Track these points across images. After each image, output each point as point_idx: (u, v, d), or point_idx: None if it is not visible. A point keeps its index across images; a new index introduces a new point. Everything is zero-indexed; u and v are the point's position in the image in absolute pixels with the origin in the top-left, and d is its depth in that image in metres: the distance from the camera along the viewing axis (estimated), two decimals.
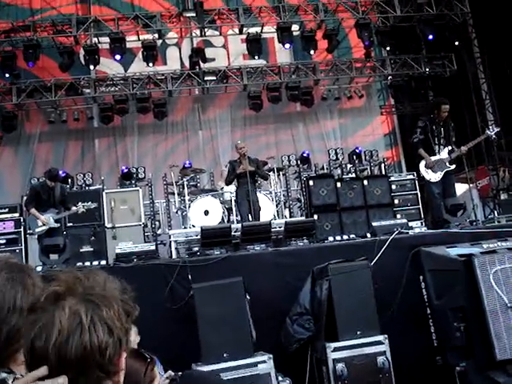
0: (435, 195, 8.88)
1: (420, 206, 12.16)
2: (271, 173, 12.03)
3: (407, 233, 7.36)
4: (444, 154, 8.82)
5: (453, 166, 8.78)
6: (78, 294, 1.36)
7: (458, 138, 9.21)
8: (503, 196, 13.42)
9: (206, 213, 10.99)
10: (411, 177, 12.45)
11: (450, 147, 8.85)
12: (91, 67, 15.44)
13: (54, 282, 1.41)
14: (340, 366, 5.78)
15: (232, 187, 10.96)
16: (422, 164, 8.91)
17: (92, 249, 11.19)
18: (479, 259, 5.83)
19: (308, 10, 16.01)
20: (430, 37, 15.69)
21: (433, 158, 8.79)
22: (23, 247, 11.59)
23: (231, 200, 11.08)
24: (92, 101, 16.41)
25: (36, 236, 9.37)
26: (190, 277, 6.48)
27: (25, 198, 12.02)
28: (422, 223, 11.32)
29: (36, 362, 1.32)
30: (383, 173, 13.95)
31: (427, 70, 16.75)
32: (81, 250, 11.08)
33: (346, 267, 6.19)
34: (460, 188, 13.82)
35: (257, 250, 7.40)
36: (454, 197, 8.98)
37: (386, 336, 5.96)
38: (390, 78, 17.59)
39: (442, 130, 8.92)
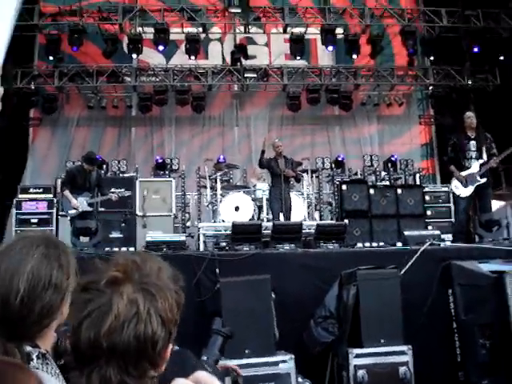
0: (461, 211, 8.89)
1: (453, 220, 11.99)
2: (305, 174, 11.98)
3: (439, 245, 7.27)
4: (475, 167, 8.73)
5: (483, 180, 8.65)
6: (135, 282, 1.36)
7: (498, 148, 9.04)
8: None
9: (237, 209, 10.99)
10: (446, 189, 12.29)
11: (482, 160, 8.74)
12: (134, 56, 15.57)
13: (111, 263, 1.42)
14: (361, 372, 5.74)
15: (265, 185, 10.97)
16: (454, 181, 8.86)
17: (121, 235, 11.30)
18: (511, 277, 5.74)
19: (354, 14, 15.87)
20: (475, 49, 15.47)
21: (463, 173, 8.71)
22: (54, 228, 11.74)
23: (263, 198, 11.08)
24: (132, 89, 16.54)
25: (69, 217, 9.49)
26: (217, 270, 6.49)
27: (59, 180, 12.21)
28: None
29: (84, 343, 1.32)
30: (417, 183, 13.81)
31: (470, 82, 16.49)
32: (110, 236, 11.19)
33: (375, 274, 6.14)
34: (495, 204, 13.64)
35: (286, 250, 7.38)
36: (489, 212, 8.87)
37: (410, 347, 5.91)
38: (431, 88, 17.38)
39: (473, 144, 8.83)
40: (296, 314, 6.38)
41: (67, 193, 9.37)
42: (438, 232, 7.78)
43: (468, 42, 15.68)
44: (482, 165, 8.70)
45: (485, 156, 8.74)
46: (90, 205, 9.45)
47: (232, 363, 5.43)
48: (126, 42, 15.66)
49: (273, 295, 6.05)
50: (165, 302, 1.37)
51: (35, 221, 11.75)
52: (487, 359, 5.86)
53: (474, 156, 8.80)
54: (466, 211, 8.88)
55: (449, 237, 8.95)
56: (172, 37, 15.61)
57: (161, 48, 15.39)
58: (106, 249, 8.00)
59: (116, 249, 7.92)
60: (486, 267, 6.24)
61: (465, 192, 8.69)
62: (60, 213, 11.61)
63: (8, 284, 1.69)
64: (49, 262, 1.75)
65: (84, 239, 8.93)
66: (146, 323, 1.31)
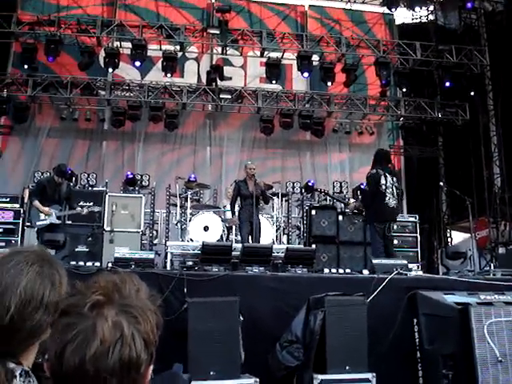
0: None
1: (418, 249, 12.14)
2: (275, 197, 12.04)
3: (406, 274, 7.34)
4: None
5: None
6: (117, 304, 1.35)
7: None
8: (501, 250, 13.43)
9: (206, 229, 10.98)
10: (413, 219, 12.46)
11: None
12: (109, 70, 15.61)
13: (91, 285, 1.40)
14: None
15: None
16: None
17: (87, 249, 11.15)
18: (475, 309, 5.82)
19: (330, 43, 16.19)
20: (447, 84, 15.90)
21: None
22: (19, 239, 11.55)
23: None
24: (105, 103, 16.48)
25: (36, 229, 9.35)
26: (185, 290, 6.45)
27: (26, 190, 12.05)
28: (418, 266, 11.30)
29: (68, 368, 1.29)
30: None
31: (440, 115, 16.86)
32: (76, 249, 11.04)
33: (342, 301, 6.17)
34: (459, 236, 13.86)
35: (255, 272, 7.37)
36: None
37: (375, 374, 5.93)
38: (402, 119, 17.74)
39: None
40: (263, 337, 6.35)
41: (37, 203, 9.26)
42: (405, 261, 7.83)
43: (440, 76, 16.07)
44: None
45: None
46: (58, 218, 9.36)
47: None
48: (103, 56, 15.67)
49: (240, 318, 6.03)
50: (147, 324, 1.36)
51: (0, 230, 11.55)
52: None
53: None
54: None
55: (414, 266, 9.06)
56: (149, 53, 15.73)
57: (137, 64, 15.44)
58: (72, 263, 7.89)
59: (81, 263, 7.81)
60: (451, 298, 6.32)
61: None
62: (27, 224, 11.44)
63: None
64: (42, 282, 1.71)
65: (50, 252, 8.80)
66: (131, 347, 1.30)
